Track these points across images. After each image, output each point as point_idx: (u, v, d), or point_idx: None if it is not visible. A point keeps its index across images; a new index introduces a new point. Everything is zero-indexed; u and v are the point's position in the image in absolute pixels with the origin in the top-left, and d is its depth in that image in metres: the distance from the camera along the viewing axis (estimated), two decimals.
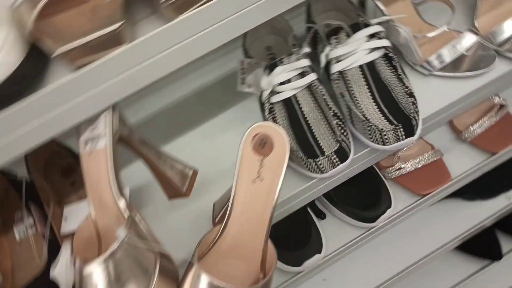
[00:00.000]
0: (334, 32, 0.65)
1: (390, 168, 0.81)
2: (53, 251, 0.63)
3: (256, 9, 0.46)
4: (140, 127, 0.82)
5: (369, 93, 0.62)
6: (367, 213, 0.79)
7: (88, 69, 0.41)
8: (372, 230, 0.79)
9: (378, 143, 0.59)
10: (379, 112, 0.60)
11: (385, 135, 0.57)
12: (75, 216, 0.67)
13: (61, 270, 0.50)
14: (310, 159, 0.59)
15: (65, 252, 0.49)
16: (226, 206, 0.55)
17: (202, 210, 0.67)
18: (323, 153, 0.59)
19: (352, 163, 0.62)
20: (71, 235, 0.65)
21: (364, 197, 0.81)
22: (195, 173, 0.65)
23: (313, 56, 0.67)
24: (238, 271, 0.54)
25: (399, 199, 0.82)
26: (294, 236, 0.79)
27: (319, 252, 0.77)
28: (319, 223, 0.82)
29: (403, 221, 0.82)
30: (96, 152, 0.49)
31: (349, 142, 0.61)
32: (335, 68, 0.63)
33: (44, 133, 0.44)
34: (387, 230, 0.81)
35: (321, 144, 0.60)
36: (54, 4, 0.38)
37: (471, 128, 0.84)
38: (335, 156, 0.58)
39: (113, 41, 0.41)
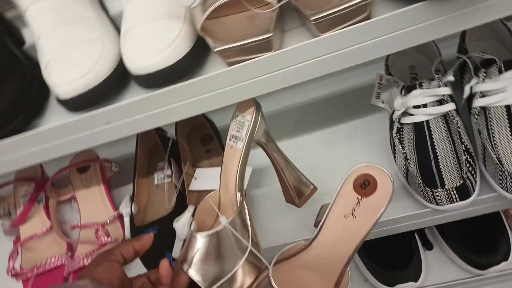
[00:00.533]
0: (485, 64, 0.61)
1: None
2: (180, 201, 0.75)
3: (409, 33, 0.46)
4: (268, 118, 0.88)
5: (510, 136, 0.58)
6: (479, 258, 0.75)
7: (239, 66, 0.47)
8: (479, 277, 0.74)
9: (509, 191, 0.56)
10: None
11: None
12: (203, 179, 0.77)
13: (181, 224, 0.59)
14: (428, 188, 0.58)
15: (187, 213, 0.58)
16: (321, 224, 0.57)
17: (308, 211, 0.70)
18: (443, 185, 0.58)
19: (473, 204, 0.59)
20: (196, 194, 0.76)
21: (479, 241, 0.76)
22: (313, 190, 0.69)
23: (457, 84, 0.64)
24: (311, 283, 0.57)
25: None
26: (394, 256, 0.78)
27: (415, 281, 0.75)
28: (423, 253, 0.80)
29: None
30: (235, 149, 0.59)
31: (475, 182, 0.58)
32: (478, 102, 0.60)
33: (195, 109, 0.52)
34: (495, 283, 0.75)
35: (443, 176, 0.59)
36: (221, 9, 0.44)
37: None
38: (455, 192, 0.57)
39: (263, 47, 0.46)
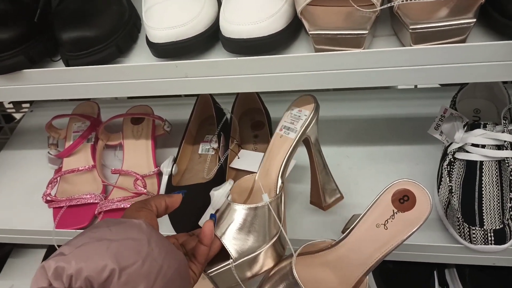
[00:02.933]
0: None
1: None
2: (219, 174, 0.77)
3: (500, 67, 0.47)
4: (323, 121, 0.90)
5: None
6: None
7: (328, 53, 0.50)
8: None
9: None
10: None
11: None
12: (246, 159, 0.80)
13: (219, 194, 0.61)
14: (466, 223, 0.59)
15: (228, 185, 0.61)
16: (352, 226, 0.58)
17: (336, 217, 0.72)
18: (482, 224, 0.58)
19: (507, 252, 0.59)
20: (235, 172, 0.78)
21: None
22: (340, 198, 0.71)
23: None
24: (329, 283, 0.58)
25: None
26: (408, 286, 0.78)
27: None
28: None
29: None
30: (285, 139, 0.62)
31: None
32: None
33: (271, 84, 0.55)
34: None
35: (484, 216, 0.59)
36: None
37: None
38: (492, 234, 0.57)
39: (355, 42, 0.49)
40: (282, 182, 0.61)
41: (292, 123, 0.62)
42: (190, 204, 0.73)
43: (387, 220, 0.55)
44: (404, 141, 0.81)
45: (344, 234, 0.58)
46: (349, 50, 0.50)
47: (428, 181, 0.71)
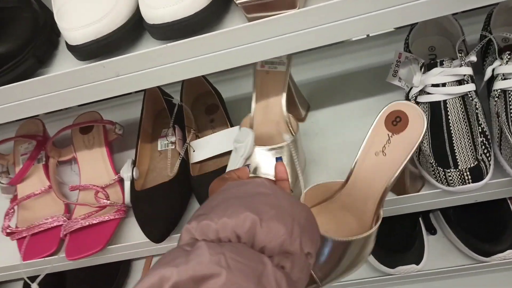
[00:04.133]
0: (509, 49, 0.60)
1: None
2: (183, 168, 0.73)
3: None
4: None
5: None
6: (484, 245, 0.74)
7: (261, 22, 0.45)
8: (482, 265, 0.73)
9: None
10: None
11: None
12: (201, 149, 0.75)
13: (247, 144, 0.62)
14: (440, 167, 0.57)
15: (251, 135, 0.63)
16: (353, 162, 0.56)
17: None
18: (456, 165, 0.56)
19: (486, 187, 0.58)
20: (199, 164, 0.74)
21: (485, 227, 0.75)
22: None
23: (478, 70, 0.63)
24: (349, 223, 0.56)
25: None
26: (397, 238, 0.77)
27: (417, 264, 0.74)
28: (426, 237, 0.79)
29: None
30: (274, 73, 0.62)
31: (489, 164, 0.57)
32: (499, 85, 0.58)
33: (210, 66, 0.50)
34: (497, 271, 0.75)
35: (457, 157, 0.57)
36: None
37: None
38: (468, 173, 0.55)
39: (287, 3, 0.45)
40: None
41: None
42: (159, 205, 0.70)
43: (384, 146, 0.53)
44: (366, 94, 0.78)
45: (348, 172, 0.56)
46: (284, 13, 0.45)
47: None
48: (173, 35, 0.48)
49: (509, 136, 0.55)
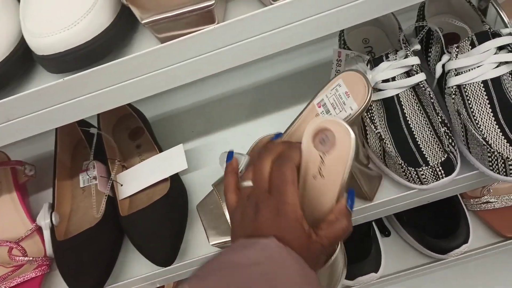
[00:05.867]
0: (449, 39, 0.57)
1: (476, 200, 0.72)
2: (111, 207, 0.64)
3: (363, 5, 0.40)
4: (217, 102, 0.80)
5: (492, 114, 0.53)
6: (439, 243, 0.72)
7: (175, 42, 0.38)
8: (440, 262, 0.72)
9: (499, 173, 0.51)
10: (503, 137, 0.51)
11: (510, 164, 0.50)
12: (130, 181, 0.67)
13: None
14: (411, 167, 0.53)
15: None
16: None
17: None
18: (427, 162, 0.53)
19: (456, 180, 0.55)
20: (129, 200, 0.66)
21: (439, 224, 0.74)
22: None
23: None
24: None
25: (478, 235, 0.73)
26: (352, 248, 0.73)
27: (376, 271, 0.71)
28: (381, 240, 0.76)
29: (476, 260, 0.73)
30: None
31: (457, 154, 0.54)
32: (453, 81, 0.55)
33: (119, 98, 0.43)
34: (455, 266, 0.73)
35: (424, 153, 0.54)
36: None
37: None
38: (441, 167, 0.52)
39: (204, 18, 0.38)
40: None
41: (334, 108, 0.49)
42: (87, 256, 0.60)
43: (319, 168, 0.46)
44: (309, 96, 0.73)
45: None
46: (201, 29, 0.38)
47: None
48: (70, 66, 0.40)
49: (476, 134, 0.52)
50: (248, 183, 0.45)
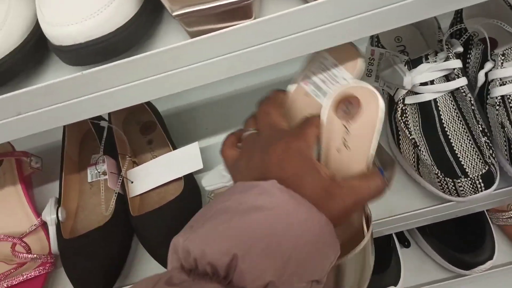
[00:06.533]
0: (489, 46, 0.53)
1: (503, 214, 0.69)
2: (121, 205, 0.61)
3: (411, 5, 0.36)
4: (233, 98, 0.76)
5: None
6: (463, 257, 0.68)
7: (207, 37, 0.35)
8: (462, 278, 0.69)
9: None
10: None
11: None
12: (143, 178, 0.63)
13: None
14: (448, 178, 0.49)
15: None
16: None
17: None
18: (465, 174, 0.49)
19: (493, 195, 0.52)
20: (139, 198, 0.62)
21: (462, 238, 0.70)
22: None
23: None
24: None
25: (503, 250, 0.70)
26: None
27: (395, 284, 0.68)
28: (401, 251, 0.73)
29: (500, 277, 0.70)
30: (311, 101, 0.44)
31: (497, 167, 0.51)
32: (498, 91, 0.51)
33: (141, 95, 0.39)
34: (478, 282, 0.70)
35: (463, 163, 0.50)
36: None
37: None
38: (481, 180, 0.48)
39: (240, 13, 0.34)
40: None
41: (324, 82, 0.43)
42: (95, 258, 0.57)
43: (344, 139, 0.41)
44: None
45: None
46: (236, 24, 0.34)
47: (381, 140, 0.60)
48: (89, 59, 0.36)
49: None
50: (251, 131, 0.41)
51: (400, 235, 0.75)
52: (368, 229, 0.43)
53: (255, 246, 0.30)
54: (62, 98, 0.38)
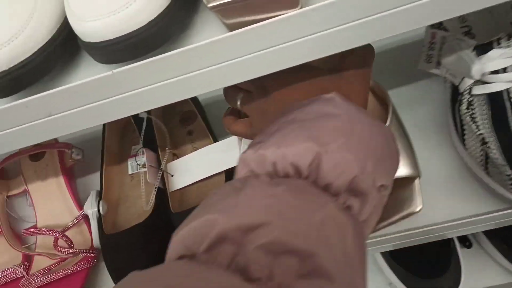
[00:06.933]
0: None
1: None
2: (161, 202, 0.59)
3: None
4: None
5: None
6: None
7: (247, 30, 0.30)
8: None
9: None
10: None
11: None
12: (182, 172, 0.61)
13: None
14: None
15: None
16: None
17: None
18: None
19: None
20: (179, 193, 0.60)
21: None
22: None
23: None
24: None
25: None
26: (430, 261, 0.65)
27: None
28: (461, 252, 0.67)
29: None
30: None
31: None
32: None
33: (179, 93, 0.36)
34: None
35: None
36: None
37: None
38: None
39: (284, 2, 0.29)
40: None
41: None
42: (136, 254, 0.56)
43: None
44: (388, 84, 0.62)
45: None
46: (280, 15, 0.30)
47: (439, 134, 0.55)
48: (119, 57, 0.33)
49: None
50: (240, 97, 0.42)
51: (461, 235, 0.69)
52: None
53: (335, 142, 0.29)
54: (93, 99, 0.35)
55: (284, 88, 0.38)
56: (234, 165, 0.58)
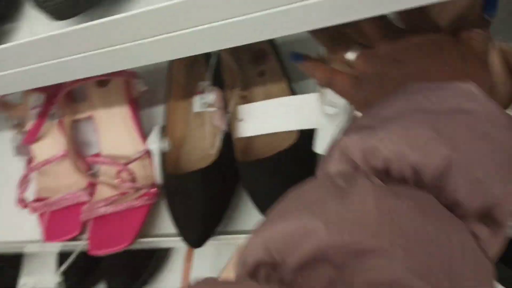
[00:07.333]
0: None
1: None
2: (227, 147, 0.54)
3: None
4: None
5: None
6: None
7: None
8: None
9: None
10: None
11: None
12: (254, 118, 0.55)
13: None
14: None
15: None
16: None
17: None
18: None
19: None
20: (245, 141, 0.55)
21: None
22: None
23: None
24: None
25: None
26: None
27: None
28: None
29: None
30: None
31: None
32: None
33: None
34: None
35: None
36: None
37: None
38: None
39: None
40: None
41: None
42: (199, 200, 0.52)
43: None
44: None
45: None
46: None
47: None
48: None
49: None
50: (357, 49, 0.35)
51: None
52: None
53: (469, 146, 0.24)
54: (156, 32, 0.31)
55: (421, 54, 0.31)
56: (311, 127, 0.51)
